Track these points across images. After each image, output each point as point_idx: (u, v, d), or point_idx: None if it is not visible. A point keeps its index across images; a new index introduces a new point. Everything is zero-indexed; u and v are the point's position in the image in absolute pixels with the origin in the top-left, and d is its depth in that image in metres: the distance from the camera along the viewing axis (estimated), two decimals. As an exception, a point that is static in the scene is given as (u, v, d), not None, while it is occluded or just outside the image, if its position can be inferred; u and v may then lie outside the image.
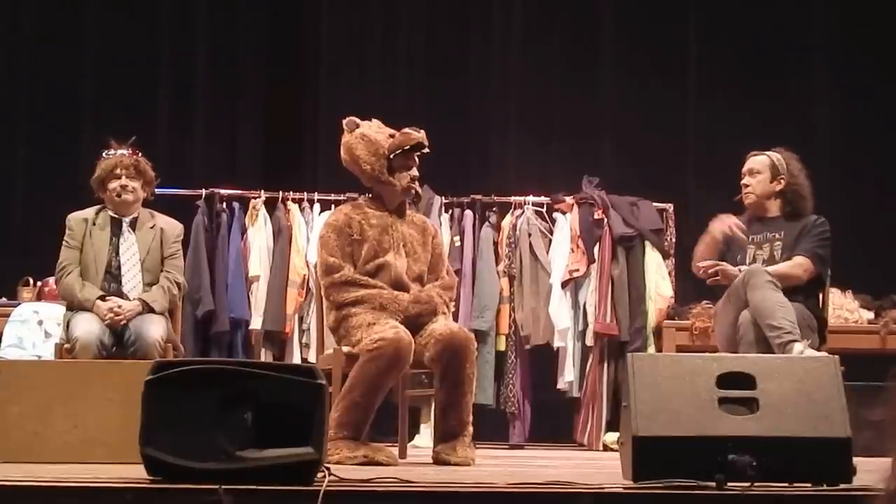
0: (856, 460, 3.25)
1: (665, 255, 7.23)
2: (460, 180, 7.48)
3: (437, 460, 4.66)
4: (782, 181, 5.33)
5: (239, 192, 7.26)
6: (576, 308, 7.09)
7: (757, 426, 3.26)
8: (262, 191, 7.23)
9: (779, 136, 5.80)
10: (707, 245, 5.32)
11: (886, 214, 7.74)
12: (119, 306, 5.15)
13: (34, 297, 6.80)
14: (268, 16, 8.25)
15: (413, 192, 4.95)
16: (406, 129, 4.91)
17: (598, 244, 7.14)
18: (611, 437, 6.72)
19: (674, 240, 7.28)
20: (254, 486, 2.93)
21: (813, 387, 3.35)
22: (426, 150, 4.94)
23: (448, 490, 3.13)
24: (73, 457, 4.04)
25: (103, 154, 5.42)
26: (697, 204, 7.64)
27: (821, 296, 5.36)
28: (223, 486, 2.89)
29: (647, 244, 7.19)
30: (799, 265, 5.17)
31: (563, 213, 7.23)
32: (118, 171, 5.34)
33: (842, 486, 3.17)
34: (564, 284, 7.08)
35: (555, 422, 7.35)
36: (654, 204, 7.31)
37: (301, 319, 7.07)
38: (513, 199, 7.30)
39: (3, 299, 6.93)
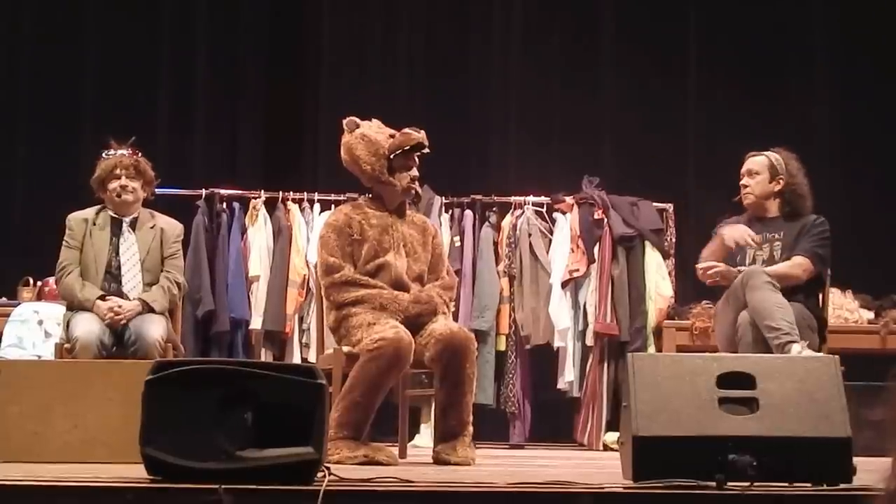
0: (856, 460, 3.24)
1: (665, 255, 7.23)
2: (460, 180, 7.48)
3: (438, 460, 4.66)
4: (781, 181, 5.32)
5: (239, 192, 7.25)
6: (576, 308, 7.09)
7: (757, 426, 3.26)
8: (263, 191, 7.23)
9: (779, 136, 5.80)
10: (715, 250, 5.28)
11: (886, 214, 7.73)
12: (119, 306, 5.15)
13: (34, 297, 6.79)
14: (268, 16, 8.24)
15: (413, 192, 4.94)
16: (406, 130, 4.91)
17: (598, 244, 7.14)
18: (611, 437, 6.72)
19: (674, 240, 7.28)
20: (254, 486, 2.93)
21: (813, 387, 3.35)
22: (426, 151, 4.94)
23: (448, 490, 3.13)
24: (74, 457, 4.04)
25: (103, 154, 5.42)
26: (697, 204, 7.66)
27: (821, 296, 5.35)
28: (223, 486, 2.89)
29: (648, 244, 7.19)
30: (798, 265, 5.16)
31: (563, 213, 7.22)
32: (118, 171, 5.34)
33: (842, 486, 3.17)
34: (564, 284, 7.07)
35: (555, 422, 7.35)
36: (654, 204, 7.31)
37: (301, 319, 7.07)
38: (513, 199, 7.30)
39: (3, 299, 6.93)
